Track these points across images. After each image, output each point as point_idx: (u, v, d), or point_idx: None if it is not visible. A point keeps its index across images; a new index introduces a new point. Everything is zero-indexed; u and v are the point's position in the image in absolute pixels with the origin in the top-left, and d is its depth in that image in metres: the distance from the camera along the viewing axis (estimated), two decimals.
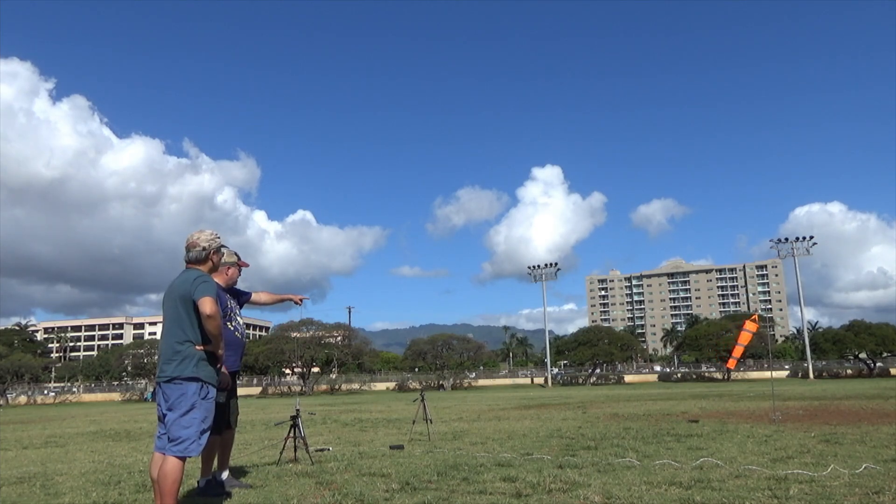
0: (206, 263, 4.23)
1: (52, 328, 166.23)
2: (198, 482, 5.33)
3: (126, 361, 72.70)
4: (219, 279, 5.37)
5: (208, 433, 4.06)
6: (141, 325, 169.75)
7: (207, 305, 3.88)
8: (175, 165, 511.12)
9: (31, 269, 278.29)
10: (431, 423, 10.16)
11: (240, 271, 5.65)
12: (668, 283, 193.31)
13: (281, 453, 7.08)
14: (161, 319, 4.28)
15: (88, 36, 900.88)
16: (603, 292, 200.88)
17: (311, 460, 6.84)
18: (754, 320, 12.41)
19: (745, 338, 12.41)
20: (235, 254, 5.66)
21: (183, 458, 3.85)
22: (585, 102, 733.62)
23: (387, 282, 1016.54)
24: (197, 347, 3.98)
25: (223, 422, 5.27)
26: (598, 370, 73.41)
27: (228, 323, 5.34)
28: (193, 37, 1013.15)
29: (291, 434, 7.06)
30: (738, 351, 13.15)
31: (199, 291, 3.93)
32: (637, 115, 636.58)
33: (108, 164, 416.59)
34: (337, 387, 64.44)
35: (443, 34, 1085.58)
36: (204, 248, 4.19)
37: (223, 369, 5.04)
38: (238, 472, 6.28)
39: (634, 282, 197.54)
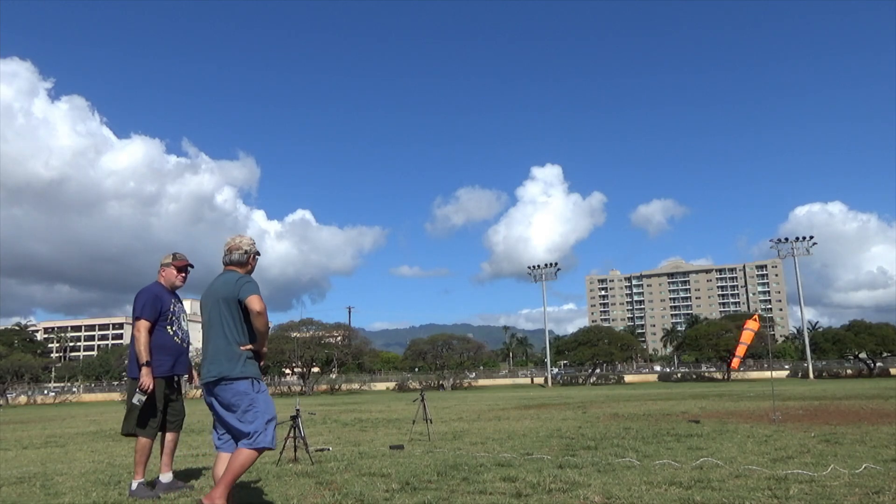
0: (246, 266, 4.30)
1: (52, 328, 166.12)
2: (129, 485, 5.31)
3: (126, 361, 72.52)
4: (162, 280, 5.44)
5: (275, 422, 4.06)
6: None
7: (257, 303, 3.96)
8: (174, 165, 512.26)
9: (30, 269, 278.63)
10: (431, 423, 10.16)
11: (178, 272, 5.49)
12: (668, 282, 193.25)
13: (281, 453, 7.08)
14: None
15: (88, 36, 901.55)
16: (603, 292, 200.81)
17: (311, 460, 6.85)
18: (755, 320, 12.40)
19: (747, 336, 12.37)
20: (173, 254, 5.56)
21: (258, 451, 3.89)
22: (585, 102, 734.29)
23: (386, 282, 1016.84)
24: (242, 347, 4.03)
25: (161, 424, 5.28)
26: (598, 370, 73.37)
27: (168, 327, 5.28)
28: (193, 37, 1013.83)
29: (291, 434, 7.07)
30: (741, 350, 13.08)
31: (245, 291, 4.01)
32: (637, 115, 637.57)
33: (107, 164, 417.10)
34: (337, 387, 64.41)
35: (443, 34, 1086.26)
36: (246, 252, 4.26)
37: (146, 374, 5.02)
38: None
39: (634, 282, 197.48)
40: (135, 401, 5.05)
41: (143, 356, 5.07)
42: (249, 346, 4.05)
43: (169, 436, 5.41)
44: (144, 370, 5.04)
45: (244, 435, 3.88)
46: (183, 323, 5.49)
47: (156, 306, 5.22)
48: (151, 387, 5.06)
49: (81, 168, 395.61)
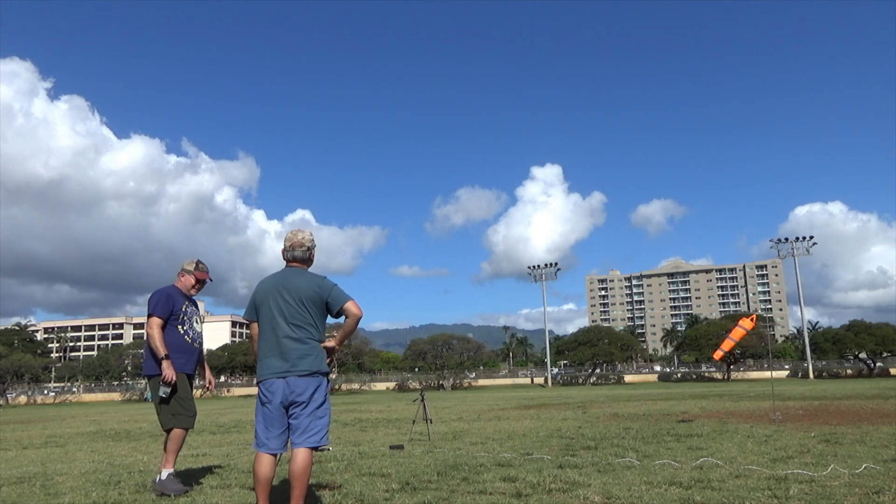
0: (309, 262, 4.27)
1: (52, 328, 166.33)
2: (159, 475, 5.30)
3: (126, 361, 72.79)
4: (179, 284, 5.57)
5: None
6: (141, 325, 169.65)
7: (358, 308, 4.02)
8: (174, 165, 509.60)
9: (30, 269, 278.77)
10: (431, 423, 10.16)
11: (196, 282, 5.61)
12: (668, 282, 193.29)
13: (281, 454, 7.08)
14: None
15: (88, 36, 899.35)
16: (603, 292, 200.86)
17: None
18: (752, 319, 12.38)
19: (737, 333, 12.31)
20: (196, 262, 5.65)
21: (315, 450, 3.91)
22: (585, 102, 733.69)
23: (386, 282, 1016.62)
24: (321, 345, 4.08)
25: (193, 413, 5.38)
26: (598, 370, 73.43)
27: (179, 326, 5.40)
28: (192, 36, 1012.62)
29: None
30: (727, 344, 12.93)
31: (339, 296, 4.01)
32: (637, 115, 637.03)
33: (106, 164, 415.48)
34: (337, 387, 64.46)
35: (442, 34, 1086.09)
36: (308, 248, 4.22)
37: (167, 366, 5.13)
38: (238, 472, 6.28)
39: (634, 282, 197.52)
40: (161, 394, 5.17)
41: (161, 350, 5.17)
42: (330, 344, 4.09)
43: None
44: (165, 363, 5.15)
45: (312, 430, 3.87)
46: (195, 325, 5.59)
47: (168, 305, 5.35)
48: (174, 378, 5.17)
49: (81, 168, 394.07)
